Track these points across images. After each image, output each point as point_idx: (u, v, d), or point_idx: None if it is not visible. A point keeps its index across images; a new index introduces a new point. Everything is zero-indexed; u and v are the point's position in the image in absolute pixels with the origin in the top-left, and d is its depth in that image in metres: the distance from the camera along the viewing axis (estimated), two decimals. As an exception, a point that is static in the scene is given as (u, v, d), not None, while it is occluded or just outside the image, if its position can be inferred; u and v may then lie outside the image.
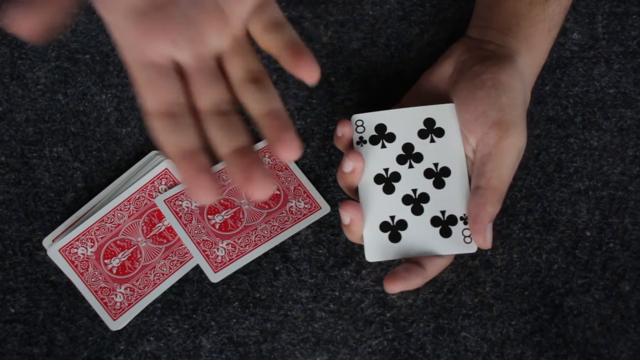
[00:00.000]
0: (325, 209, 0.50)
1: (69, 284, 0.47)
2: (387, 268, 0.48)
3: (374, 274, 0.48)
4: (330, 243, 0.49)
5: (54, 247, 0.47)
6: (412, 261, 0.42)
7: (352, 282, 0.48)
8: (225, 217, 0.49)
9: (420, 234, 0.42)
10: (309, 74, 0.33)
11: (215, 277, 0.47)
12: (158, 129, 0.32)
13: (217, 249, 0.47)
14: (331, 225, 0.49)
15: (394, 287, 0.40)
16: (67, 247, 0.47)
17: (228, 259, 0.47)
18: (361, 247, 0.48)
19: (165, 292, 0.47)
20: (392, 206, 0.42)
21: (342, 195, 0.50)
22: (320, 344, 0.46)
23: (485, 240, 0.40)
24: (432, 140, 0.43)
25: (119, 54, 0.54)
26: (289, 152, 0.32)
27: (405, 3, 0.56)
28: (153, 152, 0.51)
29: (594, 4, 0.55)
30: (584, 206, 0.49)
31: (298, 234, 0.49)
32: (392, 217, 0.42)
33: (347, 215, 0.41)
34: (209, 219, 0.48)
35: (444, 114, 0.44)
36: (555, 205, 0.49)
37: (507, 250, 0.48)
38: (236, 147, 0.32)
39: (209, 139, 0.33)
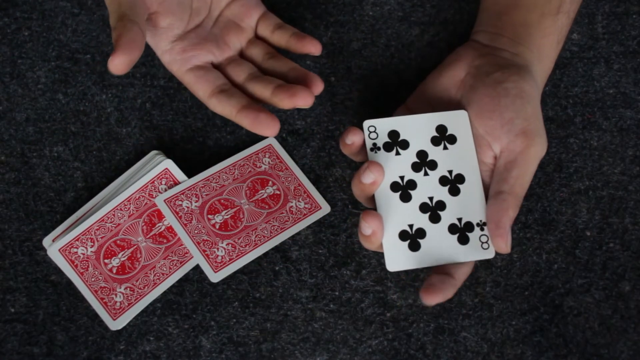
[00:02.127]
0: (325, 209, 0.50)
1: (69, 283, 0.47)
2: (386, 268, 0.48)
3: (374, 274, 0.48)
4: (330, 243, 0.49)
5: (54, 246, 0.47)
6: (441, 271, 0.42)
7: (352, 282, 0.48)
8: (225, 217, 0.49)
9: (438, 242, 0.42)
10: (314, 46, 0.46)
11: (215, 277, 0.47)
12: (216, 103, 0.44)
13: (217, 248, 0.47)
14: (331, 225, 0.49)
15: (432, 300, 0.40)
16: (67, 246, 0.47)
17: (228, 259, 0.47)
18: (361, 247, 0.48)
19: (165, 292, 0.47)
20: (409, 214, 0.42)
21: (342, 195, 0.50)
22: (320, 344, 0.46)
23: (506, 244, 0.40)
24: (445, 147, 0.43)
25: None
26: (317, 86, 0.44)
27: (405, 4, 0.56)
28: (153, 152, 0.51)
29: (594, 4, 0.55)
30: (584, 206, 0.49)
31: (298, 234, 0.49)
32: (411, 226, 0.42)
33: (369, 227, 0.40)
34: (209, 219, 0.48)
35: (455, 120, 0.44)
36: (555, 205, 0.49)
37: (507, 250, 0.48)
38: (274, 86, 0.43)
39: (254, 94, 0.44)
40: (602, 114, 0.52)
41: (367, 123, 0.44)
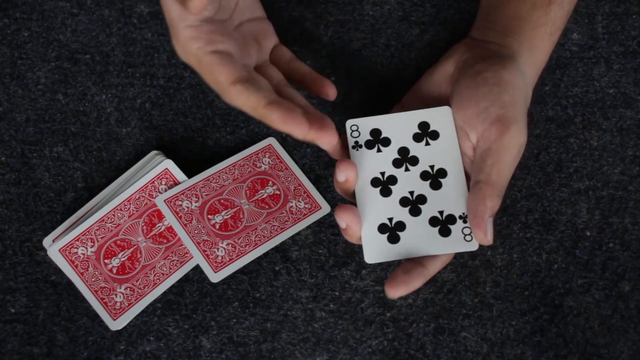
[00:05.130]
0: (325, 209, 0.50)
1: (69, 284, 0.47)
2: (387, 268, 0.48)
3: (374, 274, 0.48)
4: (330, 243, 0.49)
5: (54, 247, 0.47)
6: (412, 260, 0.42)
7: (352, 282, 0.48)
8: (225, 217, 0.49)
9: (419, 235, 0.42)
10: (331, 91, 0.44)
11: (215, 277, 0.47)
12: (240, 90, 0.39)
13: (217, 249, 0.47)
14: (331, 225, 0.49)
15: (395, 292, 0.40)
16: (67, 247, 0.47)
17: (228, 259, 0.47)
18: (361, 247, 0.48)
19: (165, 292, 0.47)
20: (389, 208, 0.42)
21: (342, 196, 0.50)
22: (320, 344, 0.46)
23: (486, 235, 0.40)
24: (427, 144, 0.44)
25: (119, 55, 0.54)
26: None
27: (405, 3, 0.56)
28: (153, 152, 0.51)
29: (594, 4, 0.55)
30: (584, 206, 0.49)
31: (298, 234, 0.49)
32: (390, 219, 0.42)
33: (342, 221, 0.41)
34: (209, 219, 0.48)
35: (438, 116, 0.44)
36: (555, 205, 0.49)
37: (507, 250, 0.48)
38: (303, 105, 0.42)
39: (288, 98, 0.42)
40: (602, 114, 0.52)
41: (349, 122, 0.44)
